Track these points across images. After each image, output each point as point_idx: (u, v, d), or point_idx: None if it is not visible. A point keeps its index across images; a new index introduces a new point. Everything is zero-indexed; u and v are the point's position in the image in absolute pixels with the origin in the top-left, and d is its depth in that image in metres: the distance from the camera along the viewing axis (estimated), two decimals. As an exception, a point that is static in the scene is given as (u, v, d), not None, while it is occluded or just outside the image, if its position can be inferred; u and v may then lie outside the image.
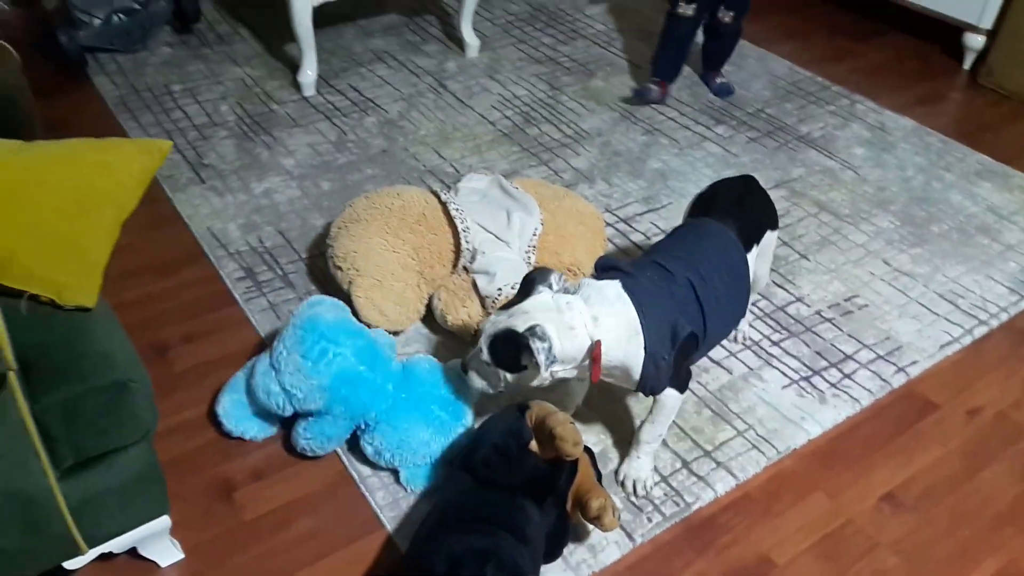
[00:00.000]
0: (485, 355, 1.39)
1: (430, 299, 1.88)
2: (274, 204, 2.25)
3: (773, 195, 1.77)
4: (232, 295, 1.96)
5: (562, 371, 1.38)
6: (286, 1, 2.54)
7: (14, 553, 1.15)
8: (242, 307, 1.92)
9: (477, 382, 1.46)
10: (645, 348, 1.36)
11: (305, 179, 2.35)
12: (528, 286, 1.42)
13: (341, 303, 1.60)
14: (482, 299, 1.80)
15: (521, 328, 1.33)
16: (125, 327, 1.30)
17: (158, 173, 1.62)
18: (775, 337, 1.93)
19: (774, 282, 2.06)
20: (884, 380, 1.83)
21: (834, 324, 1.97)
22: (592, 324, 1.35)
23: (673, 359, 1.40)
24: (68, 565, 1.26)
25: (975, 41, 3.06)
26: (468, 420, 1.59)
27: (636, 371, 1.39)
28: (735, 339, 1.89)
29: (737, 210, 1.62)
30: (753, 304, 1.95)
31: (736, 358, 1.87)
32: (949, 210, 2.38)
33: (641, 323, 1.36)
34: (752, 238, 1.62)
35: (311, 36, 2.64)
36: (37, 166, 1.19)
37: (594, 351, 1.33)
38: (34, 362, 1.10)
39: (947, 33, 3.18)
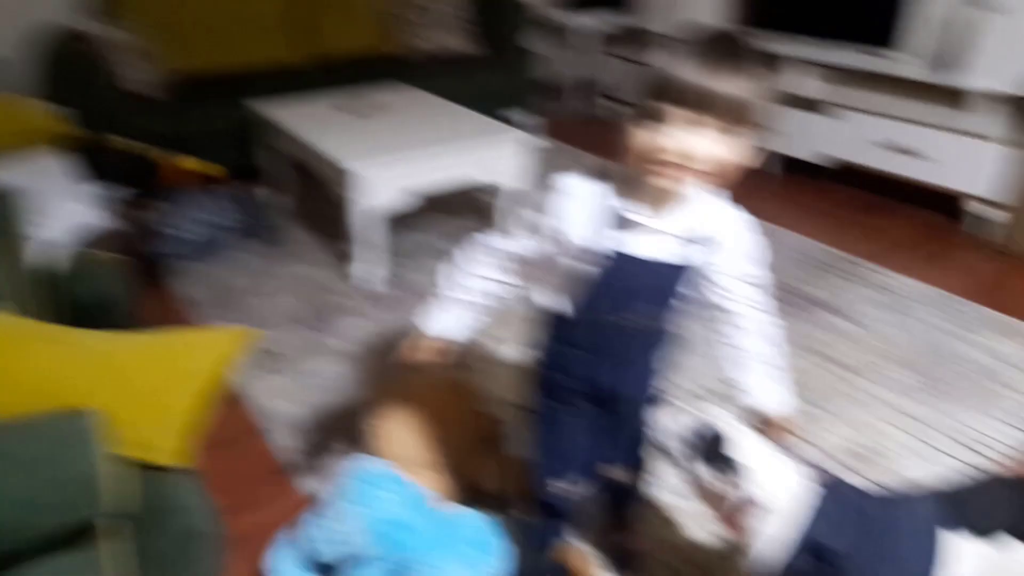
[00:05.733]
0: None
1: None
2: (326, 385, 2.42)
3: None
4: (283, 467, 2.08)
5: None
6: (350, 210, 2.87)
7: None
8: (292, 478, 2.04)
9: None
10: None
11: (358, 362, 2.54)
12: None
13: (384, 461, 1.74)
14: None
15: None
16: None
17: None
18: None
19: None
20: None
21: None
22: None
23: None
24: None
25: (977, 208, 3.35)
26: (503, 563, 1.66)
27: None
28: None
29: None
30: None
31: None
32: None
33: None
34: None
35: (381, 239, 2.95)
36: (142, 349, 1.39)
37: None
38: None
39: (945, 201, 3.47)
